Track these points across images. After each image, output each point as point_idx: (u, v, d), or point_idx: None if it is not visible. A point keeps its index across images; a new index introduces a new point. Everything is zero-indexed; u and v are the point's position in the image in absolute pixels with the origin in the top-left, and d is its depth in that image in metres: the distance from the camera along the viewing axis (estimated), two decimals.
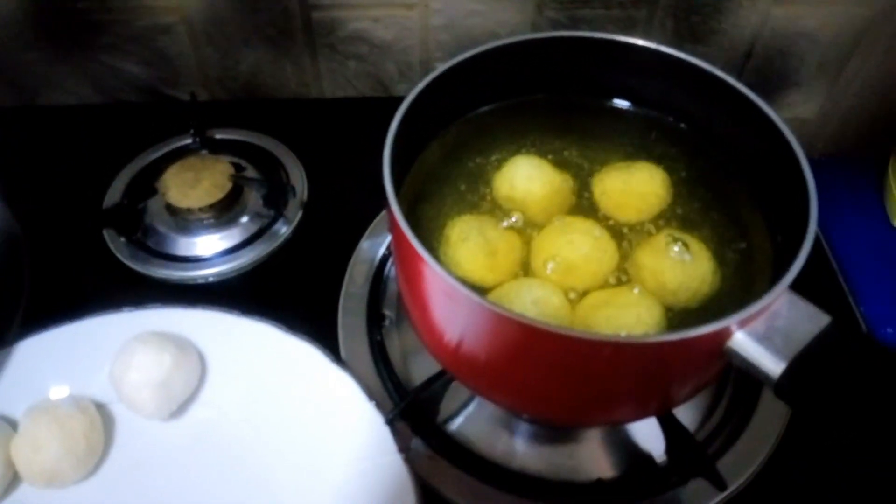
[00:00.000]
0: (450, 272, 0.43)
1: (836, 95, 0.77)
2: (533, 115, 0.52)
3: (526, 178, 0.48)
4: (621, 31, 0.69)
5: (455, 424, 0.50)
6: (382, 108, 0.72)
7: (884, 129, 0.76)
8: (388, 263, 0.59)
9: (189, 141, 0.67)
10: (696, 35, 0.70)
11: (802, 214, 0.39)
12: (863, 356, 0.34)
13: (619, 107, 0.52)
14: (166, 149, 0.67)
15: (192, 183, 0.60)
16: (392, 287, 0.59)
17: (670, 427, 0.47)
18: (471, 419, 0.50)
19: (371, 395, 0.48)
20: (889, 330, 0.64)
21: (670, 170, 0.49)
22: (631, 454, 0.49)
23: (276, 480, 0.46)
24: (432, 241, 0.46)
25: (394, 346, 0.55)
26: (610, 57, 0.49)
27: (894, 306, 0.65)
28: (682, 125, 0.50)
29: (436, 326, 0.43)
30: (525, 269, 0.45)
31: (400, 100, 0.75)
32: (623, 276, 0.45)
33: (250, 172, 0.64)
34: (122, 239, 0.60)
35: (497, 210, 0.48)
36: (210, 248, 0.59)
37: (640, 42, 0.48)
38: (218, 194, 0.60)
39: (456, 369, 0.44)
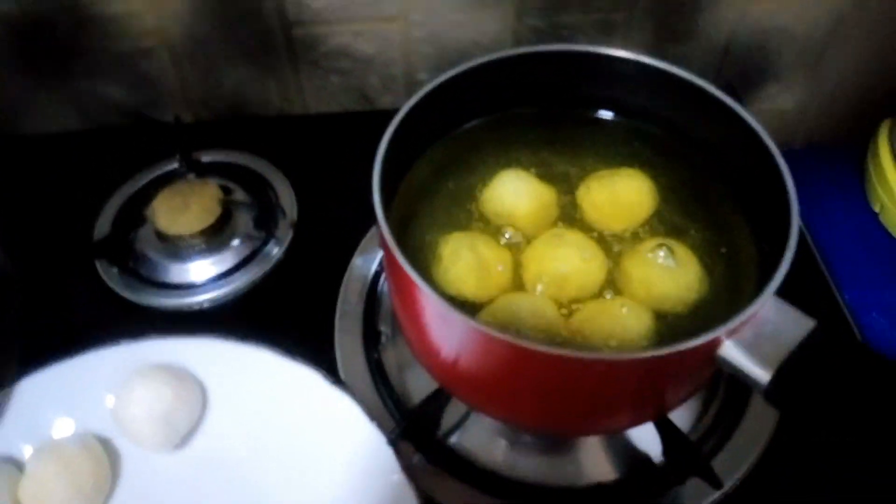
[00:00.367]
0: (443, 292, 0.44)
1: (814, 86, 0.78)
2: (518, 128, 0.52)
3: (513, 192, 0.49)
4: (601, 35, 0.70)
5: (456, 437, 0.51)
6: (368, 122, 0.73)
7: (861, 116, 0.77)
8: (382, 279, 0.60)
9: (175, 165, 0.67)
10: (675, 35, 0.71)
11: (784, 220, 0.39)
12: (848, 359, 0.35)
13: (603, 117, 0.52)
14: (153, 174, 0.67)
15: (181, 209, 0.60)
16: (386, 302, 0.59)
17: (665, 429, 0.48)
18: (471, 431, 0.51)
19: (372, 414, 0.49)
20: (874, 315, 0.65)
21: (655, 177, 0.49)
22: (629, 457, 0.50)
23: None
24: (424, 260, 0.46)
25: (391, 361, 0.55)
26: (592, 68, 0.49)
27: (877, 291, 0.67)
28: (666, 133, 0.51)
29: (431, 347, 0.43)
30: (517, 282, 0.46)
31: (385, 113, 0.75)
32: (613, 285, 0.46)
33: (239, 195, 0.64)
34: (115, 269, 0.60)
35: (487, 225, 0.48)
36: (203, 274, 0.60)
37: (621, 53, 0.48)
38: (208, 219, 0.60)
39: (453, 387, 0.45)
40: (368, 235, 0.62)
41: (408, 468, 0.46)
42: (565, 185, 0.50)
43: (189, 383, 0.49)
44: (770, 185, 0.42)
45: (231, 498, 0.48)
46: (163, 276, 0.60)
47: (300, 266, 0.61)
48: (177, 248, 0.60)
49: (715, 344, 0.35)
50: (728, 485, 0.48)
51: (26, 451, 0.48)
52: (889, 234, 0.70)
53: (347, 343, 0.56)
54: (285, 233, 0.63)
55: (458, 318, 0.37)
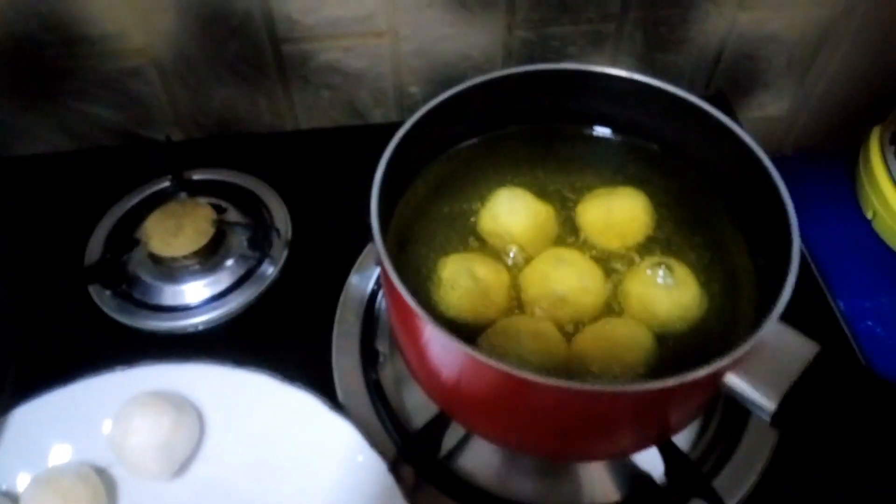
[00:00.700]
0: (442, 316, 0.44)
1: (804, 93, 0.78)
2: (513, 146, 0.52)
3: (510, 212, 0.48)
4: (591, 46, 0.70)
5: (457, 460, 0.51)
6: (359, 137, 0.74)
7: (852, 122, 0.77)
8: (379, 297, 0.60)
9: (167, 184, 0.66)
10: (665, 45, 0.71)
11: (784, 240, 0.39)
12: (853, 385, 0.35)
13: (598, 134, 0.52)
14: (144, 193, 0.66)
15: (175, 230, 0.59)
16: (384, 321, 0.59)
17: (667, 450, 0.48)
18: (472, 453, 0.51)
19: (371, 437, 0.49)
20: (868, 323, 0.65)
21: (652, 194, 0.49)
22: (630, 477, 0.50)
23: None
24: (422, 283, 0.46)
25: (389, 381, 0.55)
26: (585, 86, 0.49)
27: (872, 300, 0.67)
28: (661, 149, 0.51)
29: (432, 372, 0.43)
30: (517, 303, 0.46)
31: (376, 127, 0.76)
32: (613, 304, 0.46)
33: (232, 214, 0.63)
34: (108, 292, 0.59)
35: (485, 246, 0.48)
36: (197, 296, 0.59)
37: (614, 71, 0.48)
38: (201, 240, 0.59)
39: (454, 412, 0.45)
40: (364, 253, 0.62)
41: (409, 492, 0.46)
42: (562, 203, 0.50)
43: (187, 410, 0.49)
44: (766, 202, 0.43)
45: None
46: (157, 298, 0.59)
47: (296, 285, 0.61)
48: (170, 270, 0.60)
49: (719, 374, 0.35)
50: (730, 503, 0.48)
51: (22, 480, 0.48)
52: (882, 242, 0.70)
53: (345, 364, 0.55)
54: (280, 252, 0.62)
55: (459, 348, 0.37)
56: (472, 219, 0.49)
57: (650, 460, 0.49)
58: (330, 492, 0.47)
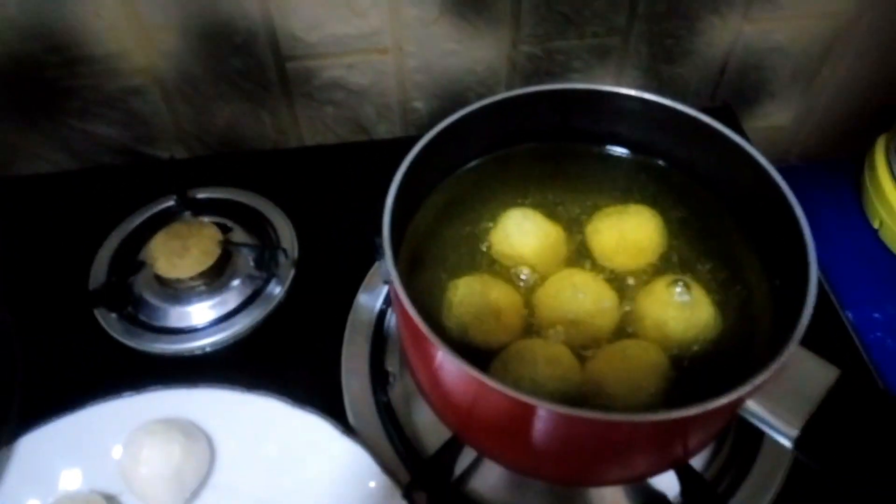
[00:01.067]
0: (454, 339, 0.44)
1: (809, 102, 0.78)
2: (523, 165, 0.52)
3: (521, 232, 0.48)
4: (596, 59, 0.70)
5: (469, 482, 0.50)
6: (364, 152, 0.73)
7: (857, 131, 0.77)
8: (387, 316, 0.59)
9: (171, 203, 0.66)
10: (671, 58, 0.71)
11: (799, 259, 0.39)
12: (875, 410, 0.35)
13: (609, 152, 0.52)
14: (149, 213, 0.66)
15: (180, 252, 0.59)
16: (393, 340, 0.58)
17: (682, 471, 0.47)
18: (484, 476, 0.50)
19: (383, 461, 0.48)
20: (878, 334, 0.65)
21: (663, 213, 0.49)
22: (647, 499, 0.49)
23: None
24: (434, 307, 0.45)
25: (399, 402, 0.54)
26: (595, 105, 0.49)
27: (880, 310, 0.67)
28: (671, 167, 0.50)
29: (445, 397, 0.43)
30: (530, 325, 0.46)
31: (381, 142, 0.75)
32: (627, 326, 0.45)
33: (238, 234, 0.63)
34: (114, 315, 0.58)
35: (496, 267, 0.48)
36: (204, 317, 0.59)
37: (623, 90, 0.48)
38: (207, 261, 0.59)
39: (467, 437, 0.45)
40: (372, 271, 0.61)
41: None
42: (573, 223, 0.50)
43: (196, 437, 0.48)
44: (780, 221, 0.42)
45: None
46: (163, 320, 0.59)
47: (303, 306, 0.61)
48: (176, 292, 0.59)
49: (739, 402, 0.34)
50: None
51: None
52: (889, 251, 0.70)
53: (355, 386, 0.55)
54: (287, 271, 0.62)
55: (473, 375, 0.36)
56: (483, 240, 0.49)
57: (665, 481, 0.48)
58: None
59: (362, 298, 0.60)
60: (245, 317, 0.59)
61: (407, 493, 0.46)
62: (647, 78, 0.73)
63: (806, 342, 0.36)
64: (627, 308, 0.46)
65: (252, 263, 0.61)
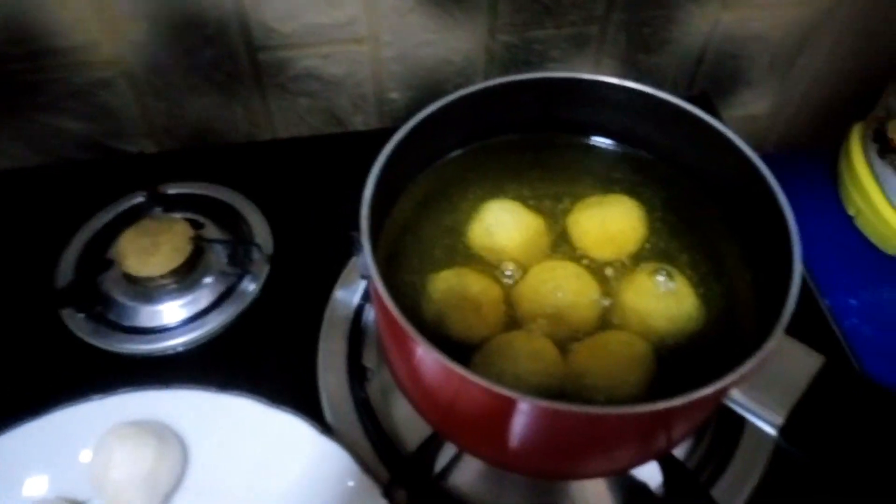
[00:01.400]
0: (435, 334, 0.42)
1: (786, 91, 0.78)
2: (502, 157, 0.51)
3: (501, 225, 0.47)
4: (574, 49, 0.70)
5: (449, 478, 0.49)
6: (339, 144, 0.72)
7: (833, 120, 0.77)
8: (365, 311, 0.58)
9: (141, 199, 0.64)
10: (649, 47, 0.70)
11: (783, 249, 0.39)
12: (860, 398, 0.34)
13: (590, 142, 0.51)
14: (117, 210, 0.63)
15: (150, 249, 0.57)
16: (371, 336, 0.57)
17: (665, 461, 0.47)
18: (465, 471, 0.49)
19: (362, 459, 0.47)
20: (854, 321, 0.65)
21: (645, 203, 0.48)
22: (627, 490, 0.49)
23: None
24: (414, 301, 0.44)
25: (378, 399, 0.53)
26: (575, 94, 0.48)
27: (857, 297, 0.67)
28: (652, 156, 0.50)
29: (425, 394, 0.42)
30: (511, 318, 0.45)
31: (356, 134, 0.74)
32: (610, 316, 0.45)
33: (210, 230, 0.61)
34: (81, 316, 0.57)
35: (476, 260, 0.47)
36: (175, 316, 0.57)
37: (603, 78, 0.47)
38: (178, 258, 0.57)
39: (448, 434, 0.44)
40: (349, 265, 0.60)
41: None
42: (554, 213, 0.49)
43: (169, 440, 0.47)
44: (763, 210, 0.42)
45: None
46: (133, 319, 0.57)
47: (278, 302, 0.59)
48: (146, 290, 0.57)
49: (724, 391, 0.34)
50: None
51: None
52: (865, 239, 0.70)
53: (332, 382, 0.53)
54: (261, 268, 0.60)
55: (454, 370, 0.35)
56: (463, 232, 0.48)
57: (648, 471, 0.48)
58: None
59: (339, 294, 0.59)
60: (218, 315, 0.57)
61: (387, 492, 0.45)
62: (625, 67, 0.72)
63: (786, 329, 0.35)
64: (609, 299, 0.45)
65: (225, 260, 0.60)
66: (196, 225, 0.61)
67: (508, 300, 0.45)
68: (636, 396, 0.40)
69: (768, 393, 0.34)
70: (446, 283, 0.45)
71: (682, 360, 0.43)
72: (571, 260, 0.47)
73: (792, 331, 0.35)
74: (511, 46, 0.68)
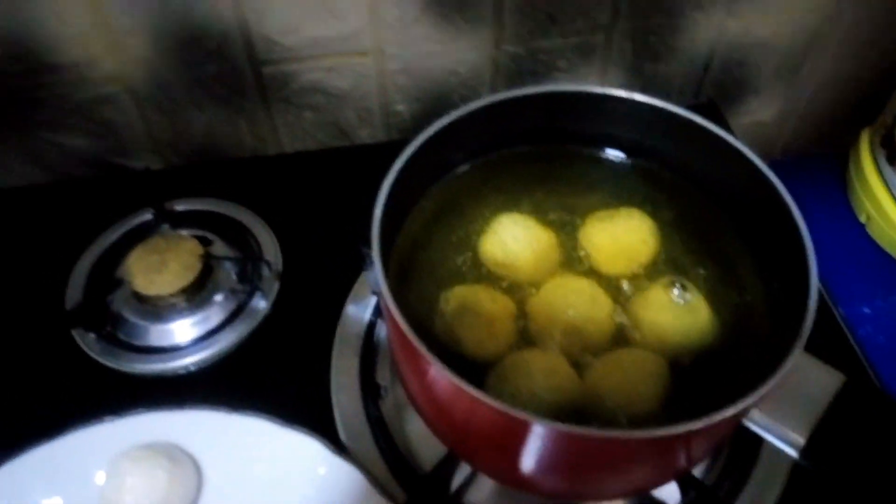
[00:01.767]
0: (448, 352, 0.42)
1: (792, 98, 0.78)
2: (512, 170, 0.51)
3: (512, 239, 0.47)
4: (580, 58, 0.69)
5: (467, 497, 0.49)
6: (346, 158, 0.72)
7: (841, 126, 0.77)
8: (377, 327, 0.58)
9: (148, 217, 0.63)
10: (655, 55, 0.70)
11: (798, 263, 0.38)
12: (881, 416, 0.34)
13: (600, 154, 0.51)
14: (125, 228, 0.63)
15: (159, 267, 0.57)
16: (383, 351, 0.57)
17: (683, 479, 0.46)
18: (480, 490, 0.49)
19: (377, 481, 0.47)
20: (869, 329, 0.65)
21: (657, 215, 0.48)
22: None
23: None
24: (426, 319, 0.44)
25: (392, 417, 0.53)
26: (584, 106, 0.48)
27: (870, 305, 0.67)
28: (663, 168, 0.50)
29: (439, 414, 0.42)
30: (524, 334, 0.44)
31: (363, 147, 0.74)
32: (624, 332, 0.44)
33: (219, 247, 0.61)
34: (92, 335, 0.56)
35: (488, 275, 0.47)
36: (186, 335, 0.57)
37: (612, 91, 0.47)
38: (188, 276, 0.57)
39: (462, 453, 0.43)
40: (359, 280, 0.60)
41: None
42: (565, 227, 0.49)
43: (182, 462, 0.47)
44: (776, 223, 0.42)
45: None
46: (143, 339, 0.57)
47: (289, 319, 0.59)
48: (157, 309, 0.57)
49: (744, 412, 0.33)
50: None
51: None
52: (877, 245, 0.70)
53: (345, 401, 0.53)
54: (271, 284, 0.60)
55: (468, 392, 0.35)
56: (474, 247, 0.47)
57: (666, 490, 0.47)
58: None
59: (350, 309, 0.58)
60: (229, 333, 0.57)
61: None
62: (631, 76, 0.72)
63: None
64: (624, 313, 0.45)
65: (234, 277, 0.59)
66: (204, 242, 0.61)
67: (522, 316, 0.45)
68: (653, 414, 0.40)
69: (788, 413, 0.34)
70: (459, 300, 0.44)
71: (698, 375, 0.42)
72: (584, 274, 0.47)
73: (808, 341, 0.35)
74: (517, 57, 0.68)
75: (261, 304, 0.59)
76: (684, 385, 0.42)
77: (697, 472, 0.48)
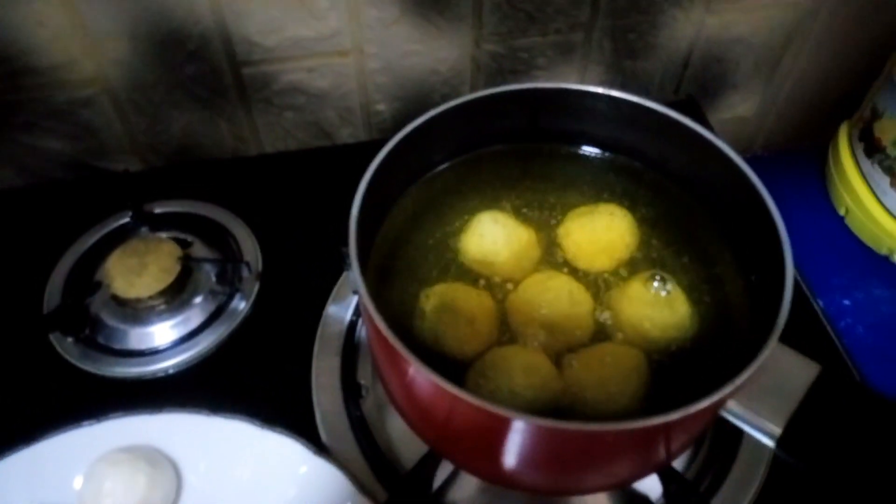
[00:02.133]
0: (428, 351, 0.42)
1: (772, 93, 0.78)
2: (491, 168, 0.51)
3: (491, 237, 0.47)
4: (560, 56, 0.69)
5: (449, 495, 0.49)
6: (328, 158, 0.71)
7: (820, 120, 0.78)
8: (358, 327, 0.57)
9: (127, 219, 0.63)
10: (634, 52, 0.70)
11: (775, 255, 0.39)
12: (857, 406, 0.34)
13: (578, 151, 0.51)
14: (104, 230, 0.63)
15: (138, 270, 0.56)
16: (364, 351, 0.56)
17: (664, 472, 0.47)
18: (463, 488, 0.49)
19: (359, 481, 0.47)
20: (849, 321, 0.65)
21: (636, 211, 0.48)
22: (629, 501, 0.49)
23: None
24: (406, 318, 0.44)
25: (373, 417, 0.53)
26: (562, 104, 0.48)
27: (850, 297, 0.67)
28: (640, 164, 0.50)
29: (419, 412, 0.42)
30: (505, 331, 0.44)
31: (344, 147, 0.73)
32: (604, 327, 0.44)
33: (198, 248, 0.61)
34: (70, 339, 0.56)
35: (467, 272, 0.47)
36: (166, 337, 0.56)
37: (591, 88, 0.47)
38: (167, 279, 0.56)
39: (443, 451, 0.43)
40: (340, 281, 0.60)
41: None
42: (544, 225, 0.49)
43: (161, 465, 0.46)
44: (753, 216, 0.42)
45: None
46: (122, 342, 0.56)
47: (270, 320, 0.58)
48: (136, 312, 0.57)
49: (720, 403, 0.34)
50: None
51: None
52: (856, 238, 0.70)
53: (326, 401, 0.53)
54: (251, 285, 0.60)
55: (448, 390, 0.35)
56: (454, 245, 0.48)
57: (647, 483, 0.48)
58: None
59: (331, 310, 0.58)
60: (209, 335, 0.57)
61: None
62: (611, 73, 0.72)
63: (781, 333, 0.35)
64: (603, 308, 0.45)
65: (214, 279, 0.59)
66: (183, 244, 0.60)
67: (502, 313, 0.45)
68: (632, 408, 0.40)
69: (765, 404, 0.34)
70: (438, 298, 0.44)
71: (677, 369, 0.42)
72: (563, 270, 0.47)
73: (786, 333, 0.35)
74: (497, 55, 0.68)
75: (241, 305, 0.58)
76: (664, 380, 0.42)
77: (679, 466, 0.48)
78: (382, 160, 0.43)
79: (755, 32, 0.71)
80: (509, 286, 0.46)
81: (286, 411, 0.51)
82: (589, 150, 0.51)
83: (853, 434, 0.34)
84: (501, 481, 0.44)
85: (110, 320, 0.57)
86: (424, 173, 0.50)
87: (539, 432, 0.34)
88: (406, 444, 0.50)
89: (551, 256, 0.48)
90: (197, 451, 0.48)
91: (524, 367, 0.41)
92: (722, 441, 0.50)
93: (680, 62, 0.73)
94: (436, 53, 0.67)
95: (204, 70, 0.64)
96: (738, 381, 0.33)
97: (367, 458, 0.50)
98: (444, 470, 0.49)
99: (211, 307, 0.58)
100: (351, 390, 0.54)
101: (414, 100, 0.70)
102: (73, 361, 0.55)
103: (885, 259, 0.68)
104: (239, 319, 0.58)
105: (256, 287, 0.60)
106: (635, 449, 0.37)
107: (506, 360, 0.42)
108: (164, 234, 0.61)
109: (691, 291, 0.45)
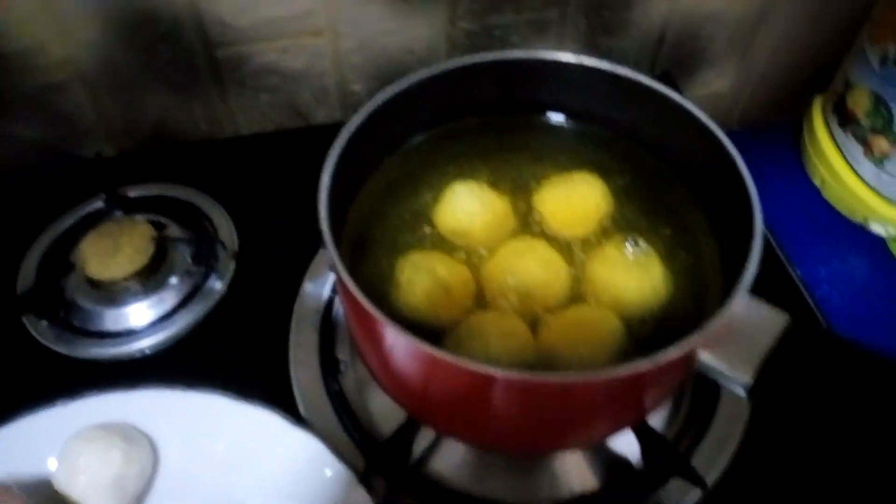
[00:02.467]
0: (404, 320, 0.42)
1: (747, 68, 0.79)
2: (465, 139, 0.51)
3: (466, 207, 0.47)
4: (535, 33, 0.69)
5: (429, 464, 0.49)
6: (303, 138, 0.71)
7: (795, 94, 0.78)
8: (335, 303, 0.57)
9: (101, 204, 0.62)
10: (609, 29, 0.71)
11: (746, 215, 0.39)
12: (824, 352, 0.35)
13: (552, 122, 0.51)
14: (78, 215, 0.62)
15: (112, 251, 0.56)
16: (342, 327, 0.56)
17: (643, 432, 0.47)
18: (444, 455, 0.49)
19: (338, 450, 0.46)
20: (826, 288, 0.66)
21: (610, 180, 0.48)
22: (608, 463, 0.49)
23: None
24: (382, 286, 0.44)
25: (352, 390, 0.53)
26: (535, 74, 0.48)
27: (827, 265, 0.68)
28: (615, 133, 0.50)
29: (399, 379, 0.41)
30: (481, 299, 0.44)
31: (320, 127, 0.73)
32: (579, 292, 0.44)
33: (173, 230, 0.60)
34: (44, 322, 0.55)
35: (443, 243, 0.46)
36: (141, 318, 0.56)
37: (562, 57, 0.47)
38: (141, 260, 0.56)
39: (423, 416, 0.43)
40: (317, 258, 0.59)
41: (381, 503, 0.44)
42: (519, 194, 0.49)
43: (138, 441, 0.46)
44: (724, 179, 0.42)
45: None
46: (98, 324, 0.56)
47: (246, 299, 0.58)
48: (111, 294, 0.56)
49: (692, 352, 0.34)
50: (710, 480, 0.47)
51: None
52: (832, 208, 0.71)
53: (304, 376, 0.53)
54: (226, 265, 0.59)
55: (424, 350, 0.35)
56: (429, 216, 0.47)
57: (626, 444, 0.48)
58: None
59: (308, 287, 0.58)
60: (185, 315, 0.56)
61: (364, 479, 0.44)
62: (586, 51, 0.71)
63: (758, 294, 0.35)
64: (578, 274, 0.45)
65: (189, 259, 0.58)
66: (158, 226, 0.60)
67: (478, 281, 0.45)
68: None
69: (736, 353, 0.34)
70: (413, 267, 0.44)
71: (653, 334, 0.43)
72: (538, 238, 0.47)
73: (765, 300, 0.35)
74: (471, 33, 0.68)
75: (216, 285, 0.58)
76: (641, 344, 0.42)
77: (658, 426, 0.48)
78: (353, 131, 0.43)
79: (729, 8, 0.71)
80: (485, 255, 0.46)
81: (265, 388, 0.51)
82: (563, 119, 0.51)
83: (822, 379, 0.34)
84: (479, 441, 0.45)
85: (85, 302, 0.56)
86: (399, 146, 0.49)
87: (514, 386, 0.34)
88: (386, 417, 0.50)
89: (527, 226, 0.48)
90: (173, 427, 0.47)
91: (500, 332, 0.41)
92: (700, 402, 0.50)
93: (654, 39, 0.73)
94: (410, 32, 0.67)
95: (177, 52, 0.64)
96: (708, 329, 0.33)
97: (347, 431, 0.49)
98: (425, 440, 0.49)
99: (186, 288, 0.58)
100: (329, 366, 0.53)
101: (389, 79, 0.67)
102: (48, 344, 0.55)
103: (861, 227, 0.68)
104: (215, 299, 0.57)
105: (232, 267, 0.59)
106: (608, 400, 0.37)
107: (482, 326, 0.42)
108: (138, 217, 0.60)
109: (666, 258, 0.45)
